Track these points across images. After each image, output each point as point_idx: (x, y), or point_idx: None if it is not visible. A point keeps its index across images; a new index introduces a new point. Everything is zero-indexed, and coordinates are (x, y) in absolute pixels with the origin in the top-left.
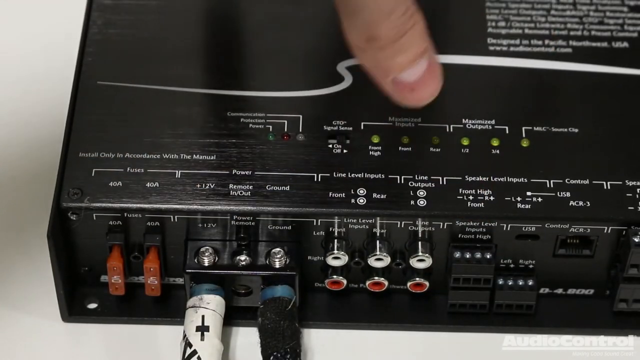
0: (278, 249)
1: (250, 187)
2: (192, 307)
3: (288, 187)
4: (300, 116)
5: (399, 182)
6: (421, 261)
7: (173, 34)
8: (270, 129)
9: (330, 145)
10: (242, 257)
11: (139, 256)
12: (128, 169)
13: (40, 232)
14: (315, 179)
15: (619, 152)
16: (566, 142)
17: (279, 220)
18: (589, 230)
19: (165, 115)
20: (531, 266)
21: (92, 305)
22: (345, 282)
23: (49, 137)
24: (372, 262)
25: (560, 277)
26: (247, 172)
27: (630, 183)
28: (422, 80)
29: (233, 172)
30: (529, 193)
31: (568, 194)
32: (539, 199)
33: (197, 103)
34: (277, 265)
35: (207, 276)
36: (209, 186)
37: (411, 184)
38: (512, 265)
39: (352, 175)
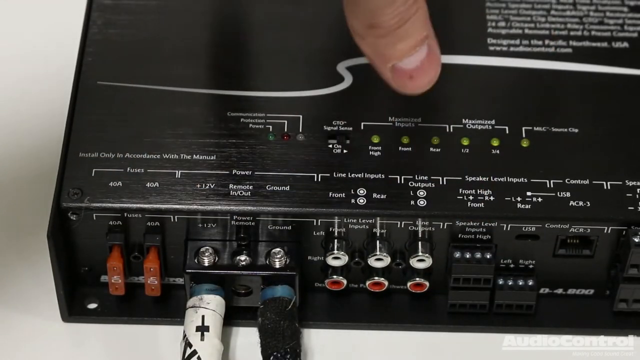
0: (278, 249)
1: (250, 187)
2: (192, 307)
3: (288, 187)
4: (300, 116)
5: (399, 182)
6: (421, 261)
7: (173, 34)
8: (270, 129)
9: (330, 145)
10: (242, 257)
11: (139, 256)
12: (128, 169)
13: (40, 232)
14: (315, 179)
15: (619, 152)
16: (566, 142)
17: (279, 220)
18: (589, 230)
19: (165, 115)
20: (531, 266)
21: (92, 305)
22: (345, 282)
23: (49, 137)
24: (372, 262)
25: (560, 277)
26: (247, 172)
27: (630, 183)
28: (421, 68)
29: (233, 172)
30: (529, 193)
31: (568, 194)
32: (539, 199)
33: (197, 103)
34: (277, 265)
35: (207, 276)
36: (209, 186)
37: (411, 184)
38: (512, 265)
39: (352, 175)
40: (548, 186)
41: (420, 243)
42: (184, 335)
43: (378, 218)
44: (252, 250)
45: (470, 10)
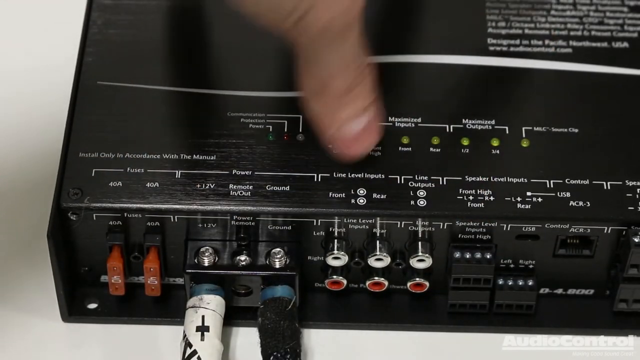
0: (278, 249)
1: (250, 187)
2: (192, 307)
3: (288, 187)
4: (300, 116)
5: (399, 182)
6: (421, 261)
7: (173, 34)
8: (270, 129)
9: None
10: (242, 257)
11: (139, 256)
12: (128, 169)
13: (40, 232)
14: (315, 179)
15: (619, 152)
16: (566, 142)
17: (279, 220)
18: (589, 230)
19: (165, 115)
20: (531, 266)
21: (92, 305)
22: (345, 282)
23: (49, 137)
24: (372, 262)
25: (560, 277)
26: (247, 172)
27: (630, 183)
28: (360, 137)
29: (233, 172)
30: (529, 193)
31: (568, 194)
32: (539, 199)
33: (197, 103)
34: (277, 265)
35: (207, 276)
36: (209, 186)
37: (411, 184)
38: (512, 266)
39: (352, 175)
40: (548, 186)
41: (420, 243)
42: (184, 335)
43: (378, 218)
44: (252, 250)
45: (470, 10)
